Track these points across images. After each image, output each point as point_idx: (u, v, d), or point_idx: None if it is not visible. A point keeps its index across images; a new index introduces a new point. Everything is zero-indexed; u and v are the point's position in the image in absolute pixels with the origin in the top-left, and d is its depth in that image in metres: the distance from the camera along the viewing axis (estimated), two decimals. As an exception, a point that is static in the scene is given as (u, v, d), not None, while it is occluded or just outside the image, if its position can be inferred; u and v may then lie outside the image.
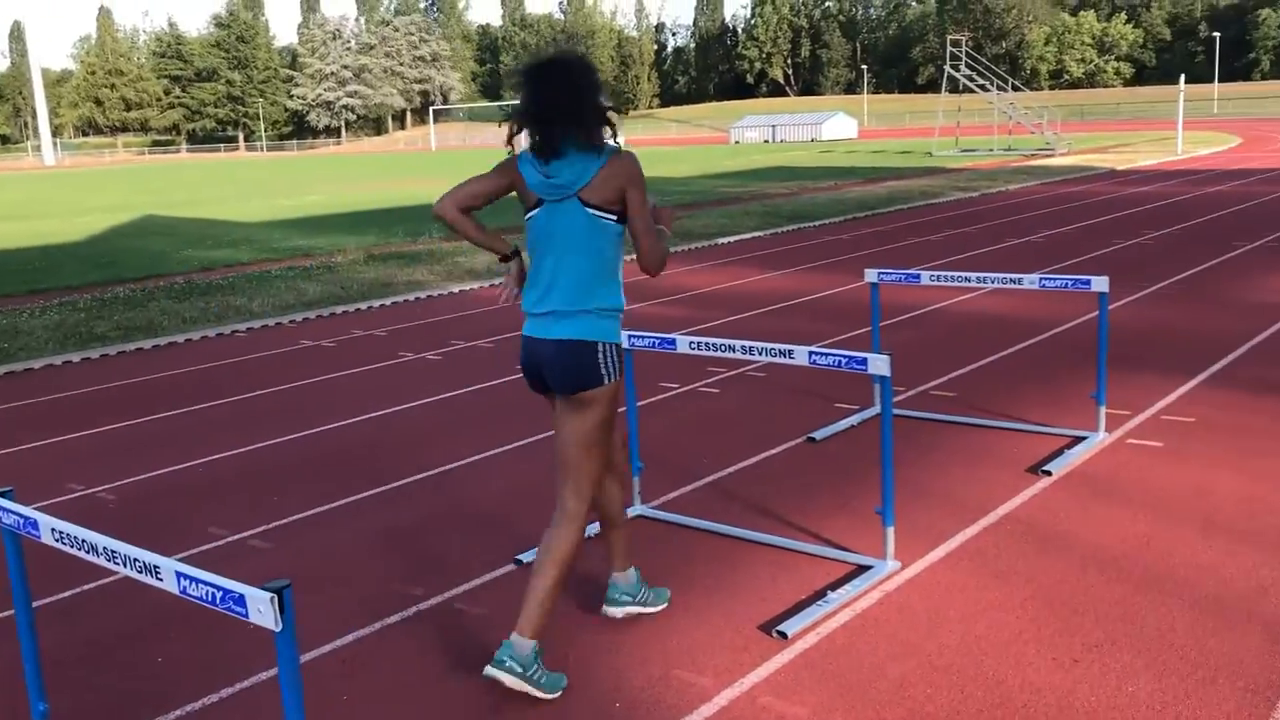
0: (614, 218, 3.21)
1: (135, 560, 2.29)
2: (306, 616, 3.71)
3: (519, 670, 3.09)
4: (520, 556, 4.14)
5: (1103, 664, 3.16)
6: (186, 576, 2.18)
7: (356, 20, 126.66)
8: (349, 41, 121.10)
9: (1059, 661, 3.19)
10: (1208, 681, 3.04)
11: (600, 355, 3.18)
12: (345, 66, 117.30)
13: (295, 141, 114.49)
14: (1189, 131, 35.71)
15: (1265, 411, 5.59)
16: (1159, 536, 4.06)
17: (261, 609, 2.03)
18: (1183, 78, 31.69)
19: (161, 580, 2.24)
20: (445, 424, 6.20)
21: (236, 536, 4.54)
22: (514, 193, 3.35)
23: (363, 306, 10.36)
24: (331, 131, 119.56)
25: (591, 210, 3.17)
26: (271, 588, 2.02)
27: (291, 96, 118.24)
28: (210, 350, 8.66)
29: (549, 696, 3.11)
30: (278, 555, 4.35)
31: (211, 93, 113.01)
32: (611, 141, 3.22)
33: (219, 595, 2.12)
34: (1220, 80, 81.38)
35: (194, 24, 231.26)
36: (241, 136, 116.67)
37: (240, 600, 2.07)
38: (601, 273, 3.22)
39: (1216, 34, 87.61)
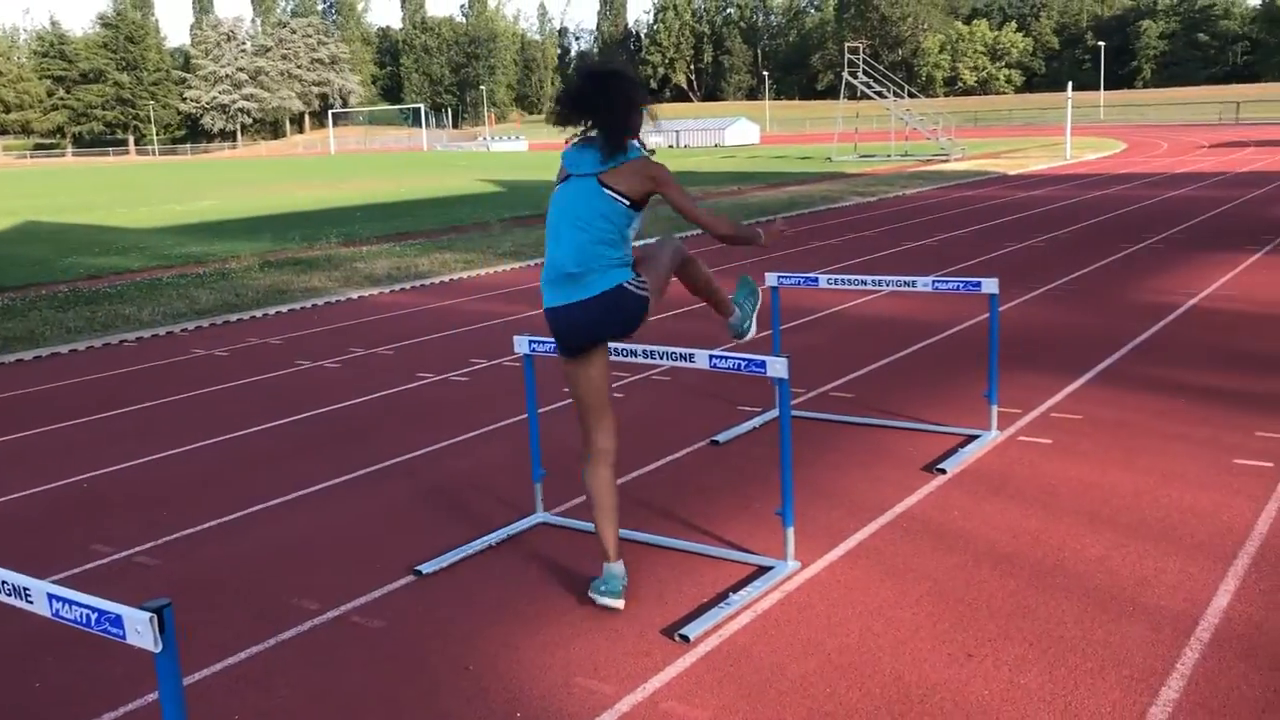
0: (627, 203, 3.59)
1: (3, 583, 2.18)
2: (196, 634, 3.59)
3: (620, 589, 3.65)
4: (420, 568, 4.06)
5: (996, 657, 3.23)
6: (59, 598, 2.09)
7: (252, 22, 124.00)
8: (244, 43, 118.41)
9: (954, 656, 3.25)
10: (1095, 672, 3.12)
11: (635, 293, 3.65)
12: (241, 69, 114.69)
13: (189, 145, 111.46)
14: (1077, 137, 36.92)
15: (1147, 408, 5.79)
16: (1049, 531, 4.17)
17: (140, 629, 1.95)
18: (1070, 85, 32.77)
19: (32, 603, 2.13)
20: (343, 433, 6.08)
21: (123, 554, 4.38)
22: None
23: (258, 314, 10.11)
24: (227, 135, 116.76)
25: (608, 191, 3.57)
26: (151, 607, 1.95)
27: (184, 99, 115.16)
28: (96, 361, 8.36)
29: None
30: (167, 571, 4.20)
31: (99, 94, 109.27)
32: (638, 145, 3.66)
33: (94, 617, 2.03)
34: (1105, 88, 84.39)
35: (79, 23, 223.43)
36: (132, 140, 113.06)
37: (117, 621, 1.99)
38: (614, 240, 3.62)
39: (1102, 43, 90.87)
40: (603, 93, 3.58)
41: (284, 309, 10.36)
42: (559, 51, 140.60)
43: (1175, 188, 20.18)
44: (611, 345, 4.06)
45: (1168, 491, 4.53)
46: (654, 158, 3.67)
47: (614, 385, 6.80)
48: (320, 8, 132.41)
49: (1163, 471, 4.78)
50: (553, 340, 3.87)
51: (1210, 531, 4.09)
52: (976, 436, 5.36)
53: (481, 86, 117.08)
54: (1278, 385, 6.14)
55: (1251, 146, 34.50)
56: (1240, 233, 13.09)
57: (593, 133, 3.63)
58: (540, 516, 4.53)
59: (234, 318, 9.93)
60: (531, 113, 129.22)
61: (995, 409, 5.49)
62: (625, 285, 3.62)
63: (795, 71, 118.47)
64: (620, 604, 3.65)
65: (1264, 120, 60.01)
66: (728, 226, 3.95)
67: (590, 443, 3.82)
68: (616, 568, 3.70)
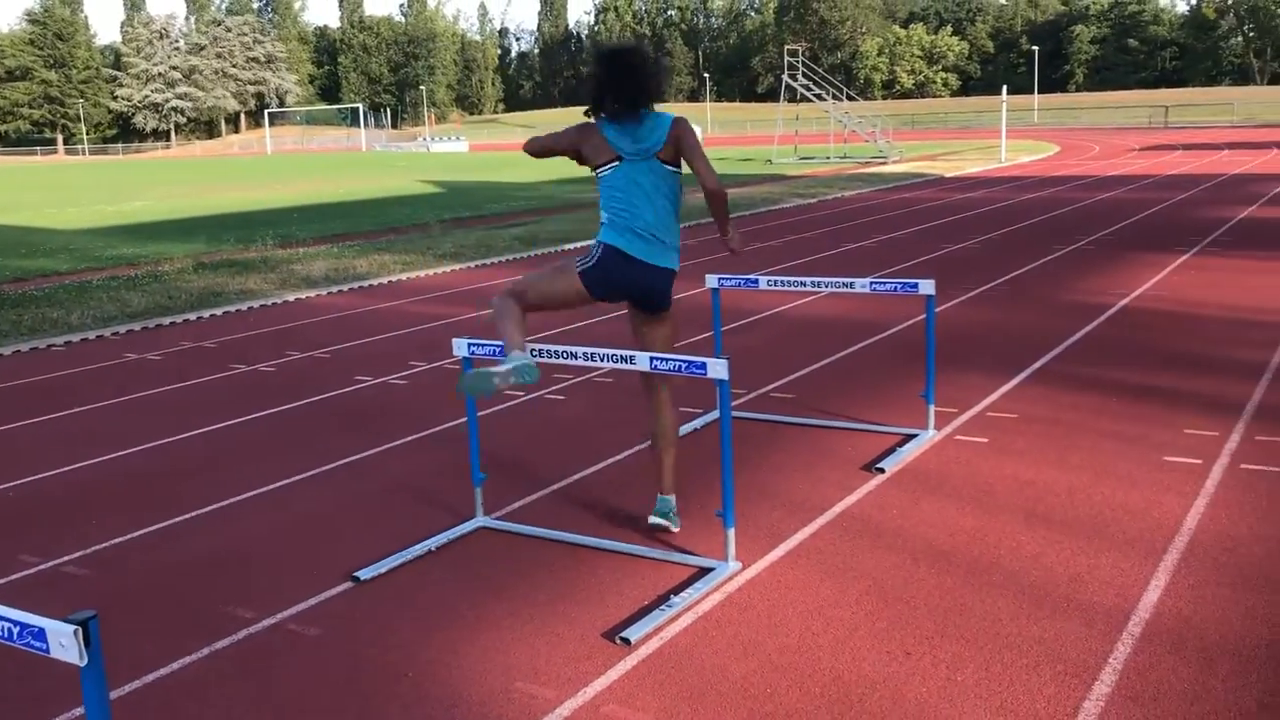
0: (675, 169, 4.15)
1: (-79, 597, 2.11)
2: (127, 645, 3.51)
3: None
4: (358, 574, 4.01)
5: (934, 655, 3.26)
6: (-22, 612, 2.02)
7: (186, 19, 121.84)
8: (177, 41, 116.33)
9: (893, 654, 3.28)
10: (1030, 667, 3.17)
11: (673, 281, 4.24)
12: (174, 67, 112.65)
13: (120, 145, 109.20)
14: (1012, 140, 37.57)
15: (1080, 406, 5.90)
16: (985, 529, 4.23)
17: (64, 643, 1.90)
18: (1005, 89, 33.33)
19: (-50, 617, 2.06)
20: (280, 437, 5.98)
21: (50, 564, 4.27)
22: (565, 154, 4.34)
23: (191, 317, 9.93)
24: (160, 135, 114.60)
25: (666, 166, 4.12)
26: (76, 619, 1.89)
27: (115, 98, 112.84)
28: (23, 366, 8.14)
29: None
30: (97, 582, 4.10)
31: (25, 92, 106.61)
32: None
33: (16, 630, 1.97)
34: (1039, 91, 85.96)
35: (4, 20, 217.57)
36: (60, 139, 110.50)
37: (40, 634, 1.93)
38: (677, 213, 4.22)
39: (1035, 48, 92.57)
40: (630, 69, 4.08)
41: (219, 312, 10.18)
42: (499, 52, 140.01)
43: (1107, 190, 20.61)
44: (553, 348, 4.20)
45: (1100, 489, 4.62)
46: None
47: (554, 387, 6.79)
48: (256, 6, 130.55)
49: (1095, 469, 4.87)
50: (489, 342, 3.87)
51: (1141, 527, 4.18)
52: (914, 436, 5.43)
53: (421, 87, 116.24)
54: (1206, 384, 6.28)
55: (1180, 150, 35.34)
56: (1169, 234, 13.41)
57: (615, 108, 4.09)
58: (480, 521, 4.50)
59: (167, 321, 9.74)
60: (472, 113, 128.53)
61: (933, 408, 5.56)
62: (674, 271, 4.25)
63: (736, 74, 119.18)
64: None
65: (1191, 124, 61.54)
66: (724, 194, 4.28)
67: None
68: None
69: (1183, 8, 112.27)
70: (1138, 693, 3.01)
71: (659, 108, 4.21)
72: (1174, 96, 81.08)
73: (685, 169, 4.20)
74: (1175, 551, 3.94)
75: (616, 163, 4.13)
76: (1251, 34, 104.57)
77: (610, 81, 4.09)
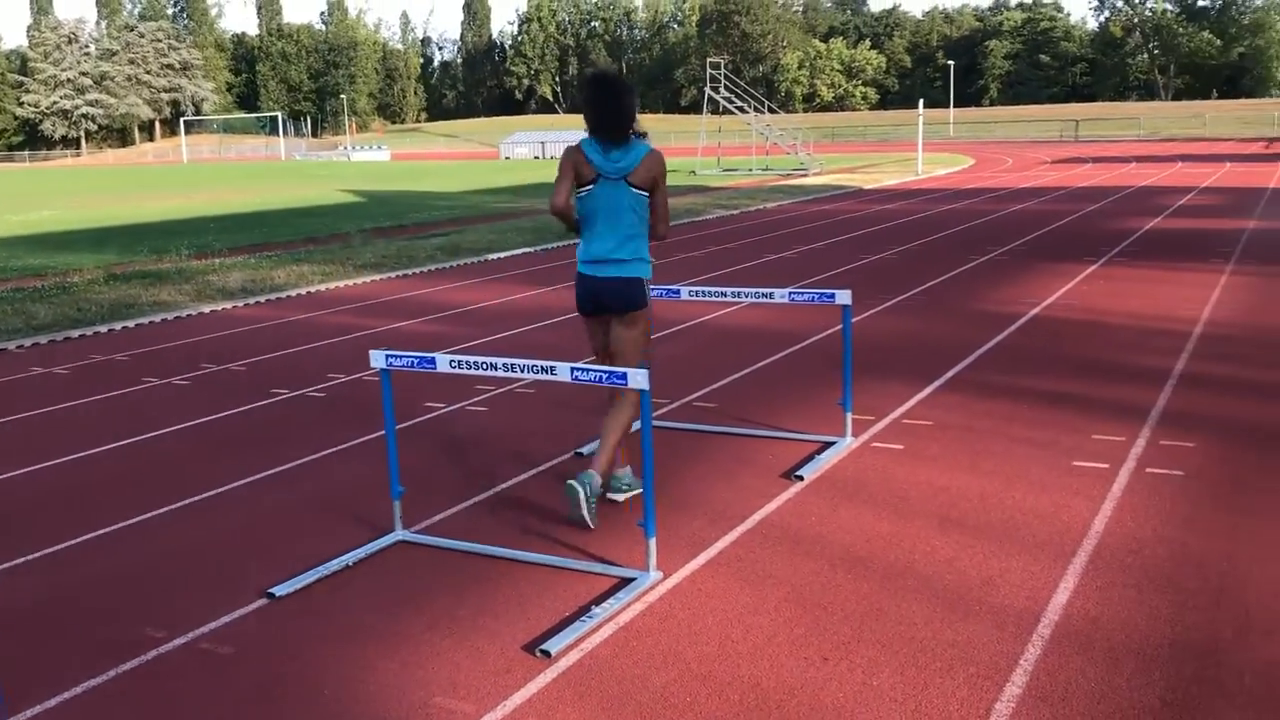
0: (646, 194, 4.60)
1: None
2: (28, 668, 3.40)
3: (588, 493, 4.35)
4: (273, 590, 3.94)
5: (850, 660, 3.31)
6: None
7: (97, 24, 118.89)
8: (87, 47, 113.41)
9: (810, 660, 3.31)
10: (944, 670, 3.23)
11: (644, 287, 4.66)
12: (84, 73, 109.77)
13: (27, 152, 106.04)
14: (928, 153, 38.32)
15: (993, 414, 6.03)
16: (901, 534, 4.30)
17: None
18: (921, 102, 34.01)
19: None
20: (194, 452, 5.85)
21: (-51, 586, 4.12)
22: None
23: (102, 330, 9.67)
24: (70, 142, 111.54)
25: (635, 189, 4.55)
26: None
27: (21, 104, 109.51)
28: (-78, 380, 7.85)
29: (593, 524, 4.40)
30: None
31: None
32: (643, 134, 4.61)
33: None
34: (955, 105, 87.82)
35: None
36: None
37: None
38: (642, 232, 4.63)
39: (951, 62, 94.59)
40: (615, 95, 4.55)
41: (131, 324, 9.93)
42: (422, 61, 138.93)
43: (1019, 202, 21.12)
44: (472, 359, 4.21)
45: (1012, 493, 4.73)
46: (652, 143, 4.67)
47: (476, 399, 6.75)
48: (171, 12, 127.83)
49: (1007, 474, 4.98)
50: (406, 354, 3.83)
51: (1051, 531, 4.29)
52: (833, 443, 5.50)
53: (342, 95, 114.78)
54: (1113, 390, 6.47)
55: (1090, 163, 36.38)
56: (1079, 245, 13.79)
57: (602, 131, 4.53)
58: (399, 534, 4.45)
59: (76, 334, 9.48)
60: (394, 122, 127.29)
61: (850, 416, 5.64)
62: (644, 281, 4.66)
63: (659, 85, 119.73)
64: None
65: (1101, 138, 63.40)
66: (667, 230, 4.81)
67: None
68: (597, 478, 4.43)
69: (1092, 25, 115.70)
70: (1047, 693, 3.09)
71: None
72: (1084, 111, 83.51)
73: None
74: (1083, 554, 4.05)
75: (593, 184, 4.54)
76: (1156, 51, 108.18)
77: (599, 105, 4.54)
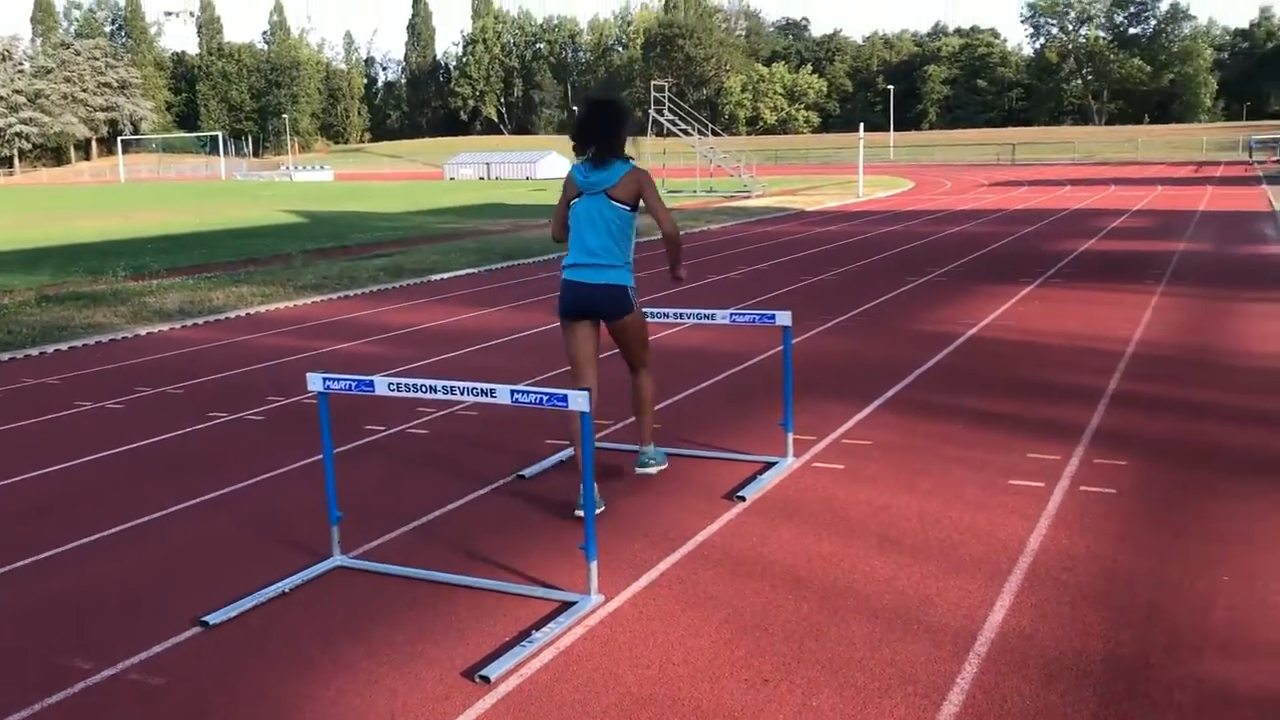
0: (628, 208, 4.96)
1: None
2: (-50, 704, 3.30)
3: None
4: (206, 618, 3.86)
5: (790, 681, 3.31)
6: None
7: (31, 42, 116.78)
8: (21, 64, 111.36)
9: (750, 681, 3.32)
10: (882, 690, 3.25)
11: (629, 293, 5.04)
12: (18, 91, 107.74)
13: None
14: (869, 176, 38.85)
15: (931, 433, 6.10)
16: (841, 554, 4.33)
17: None
18: (862, 126, 34.53)
19: None
20: (126, 478, 5.73)
21: None
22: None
23: (34, 352, 9.46)
24: (3, 161, 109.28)
25: (615, 202, 4.92)
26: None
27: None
28: None
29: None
30: (-82, 636, 3.85)
31: None
32: (630, 158, 4.97)
33: None
34: (895, 128, 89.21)
35: None
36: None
37: None
38: (624, 241, 5.01)
39: (891, 87, 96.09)
40: (601, 118, 4.94)
41: (64, 347, 9.73)
42: (365, 81, 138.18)
43: (957, 224, 21.47)
44: (412, 381, 4.16)
45: (949, 512, 4.78)
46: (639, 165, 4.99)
47: (415, 422, 6.69)
48: (108, 30, 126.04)
49: (945, 493, 5.04)
50: (344, 376, 3.80)
51: (987, 549, 4.34)
52: (774, 464, 5.53)
53: (284, 115, 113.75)
54: (1048, 409, 6.58)
55: (1026, 186, 37.10)
56: (1016, 266, 14.04)
57: (590, 151, 4.92)
58: (337, 560, 4.39)
59: (6, 357, 9.26)
60: (337, 142, 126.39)
61: (791, 436, 5.67)
62: (627, 288, 5.03)
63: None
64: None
65: (1036, 161, 64.70)
66: (678, 238, 5.28)
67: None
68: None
69: (1028, 51, 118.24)
70: (983, 711, 3.12)
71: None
72: (1020, 135, 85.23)
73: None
74: (1019, 572, 4.11)
75: (577, 199, 4.99)
76: (1090, 77, 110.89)
77: (577, 125, 5.00)
